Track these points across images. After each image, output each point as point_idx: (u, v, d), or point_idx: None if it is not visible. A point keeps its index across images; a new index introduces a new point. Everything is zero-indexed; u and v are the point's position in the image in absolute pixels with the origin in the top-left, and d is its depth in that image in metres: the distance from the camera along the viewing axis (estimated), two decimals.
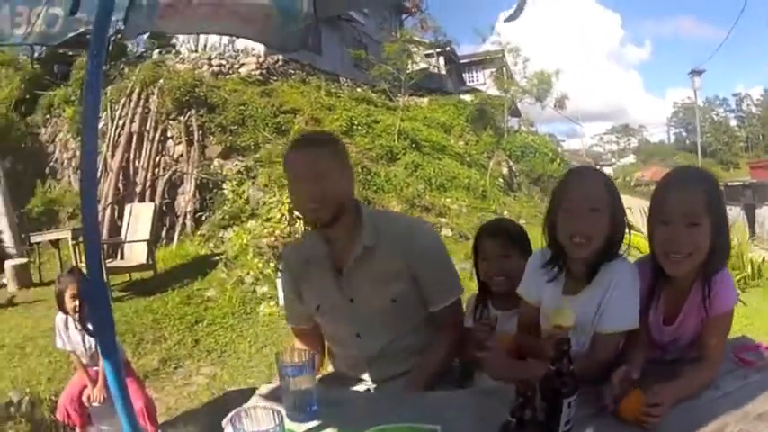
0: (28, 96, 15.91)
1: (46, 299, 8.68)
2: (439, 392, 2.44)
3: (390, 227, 2.67)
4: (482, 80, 34.33)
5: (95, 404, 4.58)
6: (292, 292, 2.75)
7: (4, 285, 10.29)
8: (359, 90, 20.07)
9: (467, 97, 26.15)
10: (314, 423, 1.94)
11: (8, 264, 10.41)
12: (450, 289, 2.65)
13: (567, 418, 1.69)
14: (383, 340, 2.59)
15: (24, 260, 10.86)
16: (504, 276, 2.62)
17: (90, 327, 2.32)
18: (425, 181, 11.97)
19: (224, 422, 1.83)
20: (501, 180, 19.48)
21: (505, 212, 16.01)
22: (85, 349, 4.68)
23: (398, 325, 2.60)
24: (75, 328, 4.63)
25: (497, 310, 2.72)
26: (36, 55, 17.14)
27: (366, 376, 2.68)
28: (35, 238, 10.79)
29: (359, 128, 13.61)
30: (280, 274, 7.99)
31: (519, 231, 2.78)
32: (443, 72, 31.11)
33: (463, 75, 36.68)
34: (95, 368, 4.68)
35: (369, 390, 2.67)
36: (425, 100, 22.95)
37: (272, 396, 2.20)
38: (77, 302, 4.38)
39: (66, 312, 4.59)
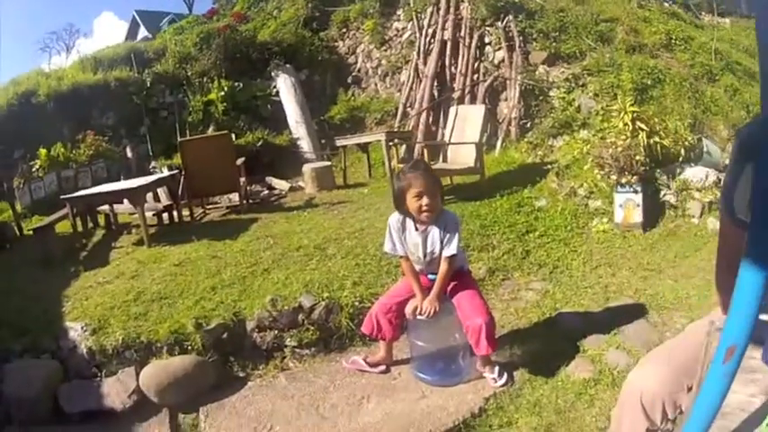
0: (318, 14, 16.54)
1: (353, 200, 8.77)
2: None
3: None
4: None
5: (421, 317, 4.11)
6: None
7: (302, 188, 10.65)
8: (666, 5, 18.52)
9: None
10: None
11: (307, 167, 10.66)
12: None
13: None
14: None
15: (326, 163, 11.08)
16: None
17: None
18: (744, 107, 10.51)
19: None
20: None
21: None
22: (423, 255, 4.19)
23: None
24: (416, 230, 4.17)
25: None
26: None
27: None
28: (341, 142, 10.79)
29: (677, 43, 12.37)
30: (619, 188, 7.20)
31: None
32: None
33: None
34: (430, 275, 4.24)
35: None
36: (727, 21, 20.80)
37: None
38: (423, 202, 3.97)
39: (404, 213, 4.16)
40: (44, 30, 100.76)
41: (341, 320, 5.11)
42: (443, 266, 4.11)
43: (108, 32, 61.01)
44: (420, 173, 4.06)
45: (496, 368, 4.27)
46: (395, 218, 4.27)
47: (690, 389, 2.14)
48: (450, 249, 4.07)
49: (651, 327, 4.77)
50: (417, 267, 4.35)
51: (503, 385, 4.18)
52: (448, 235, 4.09)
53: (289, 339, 5.01)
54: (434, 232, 4.12)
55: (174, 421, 4.37)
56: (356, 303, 5.23)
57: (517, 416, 3.89)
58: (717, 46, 11.89)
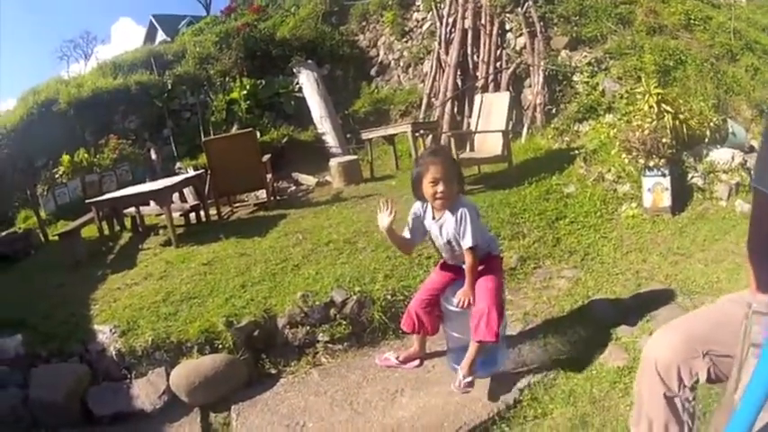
0: (336, 8, 16.66)
1: (381, 193, 8.63)
2: None
3: None
4: None
5: (455, 308, 4.04)
6: None
7: (329, 183, 10.62)
8: None
9: None
10: None
11: (333, 161, 10.65)
12: None
13: None
14: None
15: (352, 157, 11.07)
16: None
17: None
18: (766, 86, 10.36)
19: None
20: None
21: None
22: (443, 244, 4.15)
23: None
24: (433, 218, 4.10)
25: None
26: None
27: None
28: (366, 135, 10.80)
29: (696, 23, 12.23)
30: (647, 172, 7.08)
31: None
32: None
33: None
34: (462, 265, 4.10)
35: None
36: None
37: None
38: (438, 188, 3.89)
39: (420, 198, 4.10)
40: (61, 39, 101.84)
41: (373, 314, 5.06)
42: (467, 259, 4.00)
43: (126, 38, 61.61)
44: (438, 159, 3.96)
45: (469, 378, 4.00)
46: (418, 204, 4.20)
47: (705, 354, 2.19)
48: (466, 241, 3.93)
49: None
50: (444, 257, 4.30)
51: (458, 387, 3.96)
52: (462, 225, 3.95)
53: (321, 335, 4.97)
54: (449, 221, 4.01)
55: (206, 421, 4.35)
56: (388, 297, 5.18)
57: (552, 406, 3.83)
58: (735, 25, 11.66)
